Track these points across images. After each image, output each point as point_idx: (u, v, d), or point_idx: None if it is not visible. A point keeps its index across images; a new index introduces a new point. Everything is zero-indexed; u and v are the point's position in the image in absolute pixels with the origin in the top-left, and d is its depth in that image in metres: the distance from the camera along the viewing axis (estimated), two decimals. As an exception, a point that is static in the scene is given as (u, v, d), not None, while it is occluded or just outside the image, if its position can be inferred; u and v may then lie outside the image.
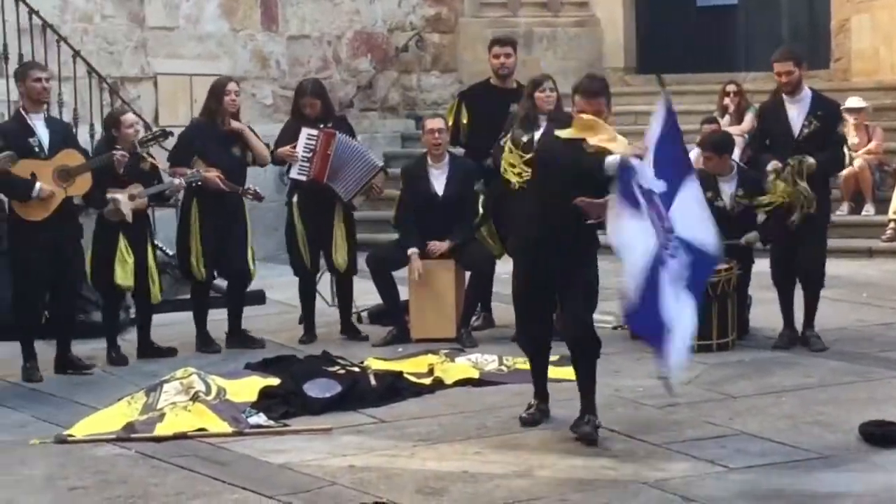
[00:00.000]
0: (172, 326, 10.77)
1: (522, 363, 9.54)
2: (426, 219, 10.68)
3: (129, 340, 10.65)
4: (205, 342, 10.58)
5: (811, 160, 9.74)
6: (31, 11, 12.79)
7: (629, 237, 7.20)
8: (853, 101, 14.95)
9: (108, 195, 10.03)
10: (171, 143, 10.77)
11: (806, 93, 10.03)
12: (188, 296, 11.01)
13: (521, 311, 8.07)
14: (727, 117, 15.17)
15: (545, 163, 7.82)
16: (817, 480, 6.89)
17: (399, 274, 10.80)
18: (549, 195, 7.69)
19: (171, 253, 12.31)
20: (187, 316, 10.91)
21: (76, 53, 13.21)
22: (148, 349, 10.39)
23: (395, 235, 11.12)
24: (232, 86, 10.63)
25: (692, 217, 7.54)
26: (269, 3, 16.57)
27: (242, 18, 16.28)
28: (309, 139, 10.67)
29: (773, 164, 9.88)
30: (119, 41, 14.79)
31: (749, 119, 14.98)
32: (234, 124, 10.62)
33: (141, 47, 15.04)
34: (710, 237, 7.63)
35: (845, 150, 10.75)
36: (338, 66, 17.49)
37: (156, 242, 10.71)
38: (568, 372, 9.25)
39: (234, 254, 10.58)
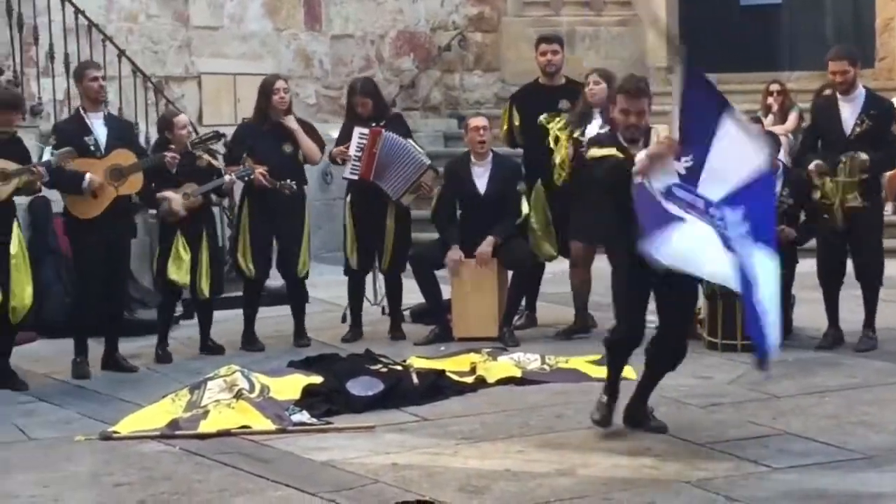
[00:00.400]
0: (217, 324, 10.81)
1: (564, 362, 9.58)
2: (468, 217, 10.70)
3: (174, 338, 10.71)
4: (250, 340, 10.64)
5: (864, 156, 9.70)
6: (77, 11, 12.88)
7: (686, 245, 7.10)
8: (896, 101, 14.85)
9: (160, 195, 10.12)
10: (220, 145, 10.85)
11: (860, 91, 9.99)
12: (235, 293, 11.08)
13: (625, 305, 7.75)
14: (770, 117, 15.11)
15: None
16: (861, 481, 6.86)
17: (441, 273, 10.82)
18: None
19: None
20: (231, 314, 10.98)
21: (121, 53, 13.30)
22: (205, 346, 10.48)
23: (437, 234, 11.13)
24: (280, 84, 10.68)
25: (728, 161, 7.31)
26: (313, 3, 16.63)
27: (286, 18, 16.34)
28: (360, 138, 10.71)
29: (815, 164, 9.86)
30: (164, 41, 14.88)
31: (793, 118, 14.93)
32: (287, 121, 10.66)
33: (185, 47, 15.12)
34: (751, 161, 7.33)
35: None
36: (380, 65, 17.53)
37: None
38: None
39: (287, 254, 10.65)
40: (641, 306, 7.67)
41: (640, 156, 7.31)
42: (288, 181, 10.46)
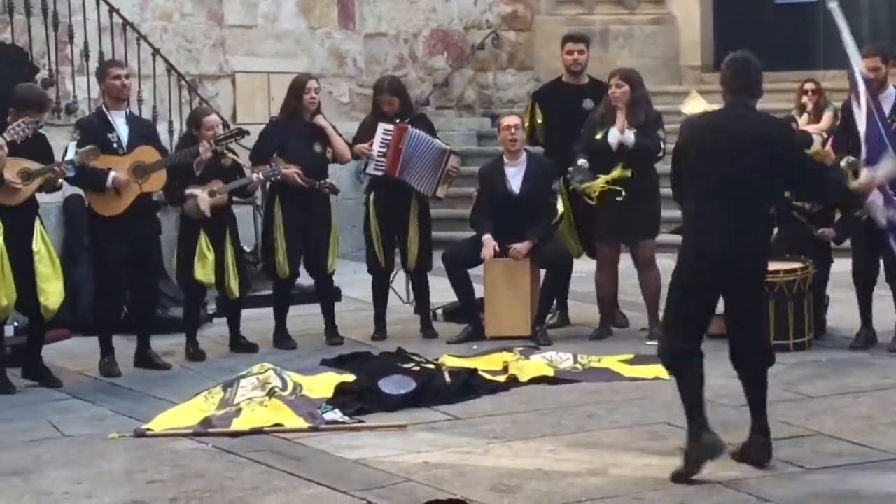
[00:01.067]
0: (246, 322, 10.84)
1: (597, 362, 9.57)
2: (503, 217, 10.69)
3: (207, 336, 10.76)
4: (282, 338, 10.66)
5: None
6: (112, 10, 12.94)
7: None
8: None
9: (187, 191, 10.14)
10: (249, 140, 10.85)
11: (891, 91, 9.94)
12: (266, 292, 11.11)
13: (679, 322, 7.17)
14: (805, 116, 15.03)
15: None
16: (894, 482, 6.83)
17: (474, 272, 10.82)
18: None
19: (248, 250, 12.43)
20: (261, 312, 11.02)
21: (156, 51, 13.35)
22: (236, 344, 10.50)
23: (470, 233, 11.14)
24: (312, 84, 10.70)
25: None
26: (347, 2, 16.65)
27: (320, 17, 16.37)
28: (385, 134, 10.72)
29: (846, 161, 9.83)
30: (198, 39, 14.93)
31: (827, 117, 14.82)
32: (318, 120, 10.69)
33: (219, 45, 15.16)
34: None
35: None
36: (414, 64, 17.54)
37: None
38: (642, 370, 9.30)
39: (316, 253, 10.67)
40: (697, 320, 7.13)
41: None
42: (328, 180, 10.48)
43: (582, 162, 10.37)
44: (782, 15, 19.00)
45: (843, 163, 9.94)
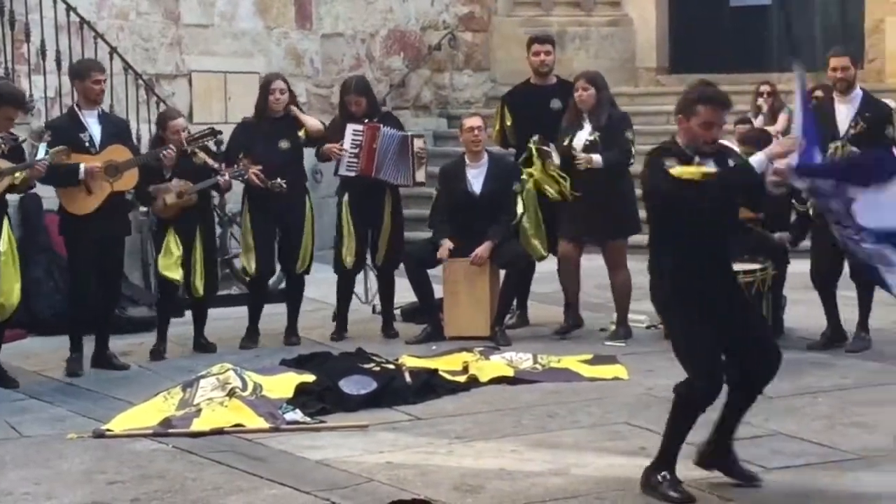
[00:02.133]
0: (212, 322, 10.80)
1: (557, 362, 9.58)
2: (463, 218, 10.70)
3: (167, 336, 10.67)
4: (252, 338, 10.65)
5: (853, 148, 9.71)
6: (69, 8, 12.86)
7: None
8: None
9: (153, 187, 10.12)
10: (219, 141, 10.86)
11: (857, 93, 10.00)
12: (229, 291, 11.10)
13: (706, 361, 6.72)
14: (761, 117, 15.13)
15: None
16: (856, 481, 6.87)
17: (434, 272, 10.82)
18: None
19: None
20: (228, 312, 10.98)
21: (112, 50, 13.27)
22: (198, 344, 10.48)
23: (430, 233, 11.15)
24: (276, 84, 10.70)
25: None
26: (304, 2, 16.61)
27: (277, 16, 16.32)
28: (355, 135, 10.73)
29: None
30: (154, 38, 14.85)
31: (783, 119, 14.95)
32: (293, 110, 10.72)
33: (176, 44, 15.09)
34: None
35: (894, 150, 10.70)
36: (371, 64, 17.52)
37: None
38: (602, 371, 9.33)
39: (288, 251, 10.65)
40: (718, 351, 6.74)
41: (759, 158, 6.65)
42: (278, 180, 10.45)
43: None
44: (738, 17, 19.11)
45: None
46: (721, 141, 7.03)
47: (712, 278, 6.74)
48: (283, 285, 11.35)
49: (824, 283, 10.06)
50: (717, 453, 6.90)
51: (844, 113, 9.89)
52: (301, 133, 10.71)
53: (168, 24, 15.01)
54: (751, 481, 6.83)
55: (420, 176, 10.91)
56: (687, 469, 7.07)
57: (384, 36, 17.71)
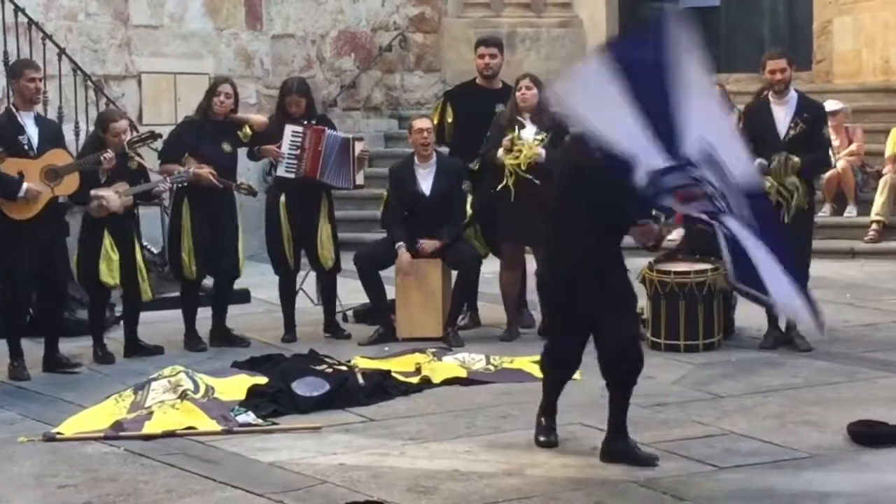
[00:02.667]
0: (156, 325, 10.76)
1: (509, 362, 9.59)
2: (414, 218, 10.70)
3: (114, 338, 10.63)
4: (193, 341, 10.58)
5: (795, 158, 9.78)
6: (17, 9, 12.75)
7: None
8: (829, 105, 14.95)
9: (94, 192, 10.02)
10: (159, 144, 10.76)
11: (792, 95, 10.07)
12: (172, 294, 11.02)
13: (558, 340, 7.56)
14: (710, 118, 15.18)
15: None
16: (807, 480, 6.92)
17: (386, 273, 10.80)
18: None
19: (155, 251, 12.33)
20: (170, 314, 10.92)
21: (61, 51, 13.18)
22: (134, 347, 10.38)
23: (382, 234, 11.14)
24: (223, 87, 10.62)
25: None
26: (254, 2, 16.53)
27: (227, 17, 16.25)
28: (294, 136, 10.68)
29: (757, 162, 9.95)
30: (103, 39, 14.75)
31: (732, 119, 15.01)
32: (232, 116, 10.65)
33: (125, 45, 15.00)
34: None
35: (831, 152, 10.80)
36: (321, 65, 17.48)
37: (143, 242, 10.68)
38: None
39: (224, 253, 10.59)
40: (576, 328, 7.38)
41: None
42: (244, 181, 10.42)
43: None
44: (687, 18, 19.11)
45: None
46: None
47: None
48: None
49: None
50: (614, 444, 7.31)
51: (783, 114, 9.95)
52: (246, 129, 10.65)
53: (117, 25, 14.92)
54: (650, 463, 7.19)
55: (360, 179, 10.88)
56: (641, 468, 7.13)
57: (335, 37, 17.67)
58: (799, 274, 6.94)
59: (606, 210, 6.98)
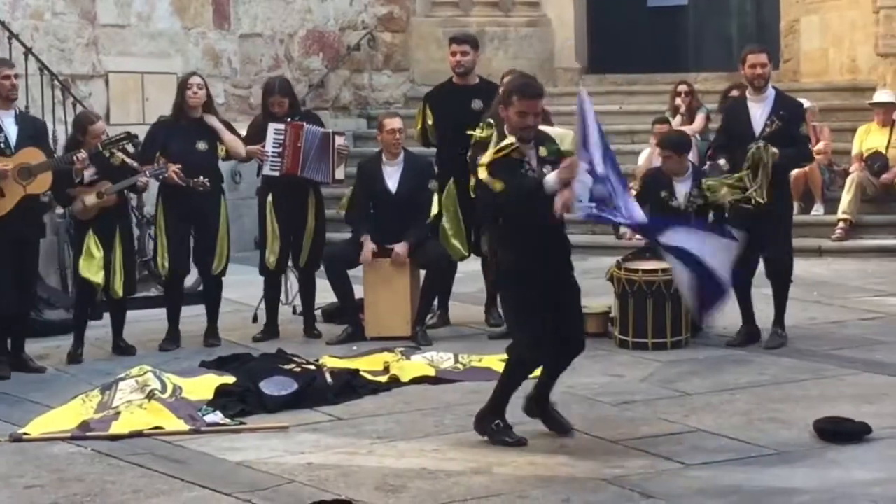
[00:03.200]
0: (130, 324, 10.71)
1: (478, 361, 9.59)
2: (381, 216, 10.70)
3: (85, 339, 10.55)
4: (173, 338, 10.56)
5: (774, 149, 9.78)
6: (-18, 8, 12.72)
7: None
8: (797, 103, 15.01)
9: (72, 191, 10.01)
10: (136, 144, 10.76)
11: (770, 92, 10.08)
12: (151, 293, 11.02)
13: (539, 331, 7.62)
14: (678, 117, 15.25)
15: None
16: (773, 476, 6.94)
17: (354, 272, 10.80)
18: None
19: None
20: (145, 314, 10.90)
21: (28, 51, 13.14)
22: (117, 346, 10.37)
23: (349, 234, 11.13)
24: (194, 80, 10.64)
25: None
26: (221, 2, 16.53)
27: (194, 16, 16.23)
28: (277, 134, 10.69)
29: (713, 164, 10.02)
30: (70, 38, 14.72)
31: (700, 119, 15.09)
32: (208, 119, 10.60)
33: (92, 45, 14.96)
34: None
35: (810, 147, 10.84)
36: (289, 64, 17.46)
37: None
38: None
39: (208, 252, 10.59)
40: (548, 323, 7.56)
41: (551, 181, 7.25)
42: (201, 178, 10.40)
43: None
44: (655, 17, 19.24)
45: (715, 163, 10.13)
46: (541, 127, 7.76)
47: (541, 266, 7.51)
48: (201, 287, 11.27)
49: (738, 281, 10.12)
50: (538, 405, 7.82)
51: (759, 112, 9.96)
52: (221, 152, 10.63)
53: (84, 25, 14.88)
54: (565, 431, 7.73)
55: (339, 174, 10.89)
56: (608, 466, 7.14)
57: (303, 36, 17.66)
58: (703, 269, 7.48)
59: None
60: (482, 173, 7.45)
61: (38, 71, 13.30)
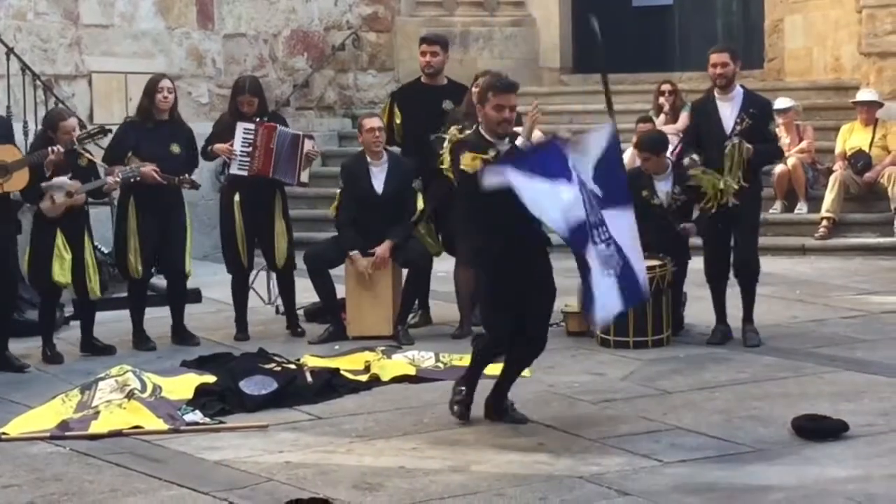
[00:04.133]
0: (105, 325, 10.71)
1: (459, 360, 9.60)
2: (366, 217, 10.68)
3: (63, 339, 10.59)
4: (141, 339, 10.55)
5: (748, 145, 9.80)
6: (-36, 8, 12.70)
7: (543, 196, 7.50)
8: (780, 102, 15.05)
9: (45, 184, 9.98)
10: (108, 140, 10.72)
11: (738, 91, 10.10)
12: (123, 294, 10.98)
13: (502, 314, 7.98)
14: (662, 116, 15.27)
15: None
16: (750, 474, 6.96)
17: (336, 272, 10.80)
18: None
19: (106, 251, 12.27)
20: (120, 314, 10.88)
21: (10, 51, 13.12)
22: (89, 346, 10.35)
23: (333, 233, 11.12)
24: (164, 83, 10.60)
25: (625, 238, 7.82)
26: (205, 2, 16.48)
27: (178, 16, 16.20)
28: (246, 133, 10.67)
29: (688, 160, 10.04)
30: (53, 38, 14.68)
31: (684, 118, 15.06)
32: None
33: (75, 45, 14.93)
34: (641, 268, 8.02)
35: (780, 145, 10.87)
36: (274, 64, 17.44)
37: (95, 242, 10.63)
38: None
39: (172, 252, 10.56)
40: (509, 310, 7.89)
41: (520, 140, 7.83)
42: (187, 175, 10.39)
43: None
44: (640, 17, 19.25)
45: (686, 160, 10.16)
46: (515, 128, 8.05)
47: (512, 257, 7.76)
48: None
49: (714, 280, 10.16)
50: (496, 404, 8.07)
51: (728, 111, 9.98)
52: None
53: (67, 25, 14.85)
54: (521, 422, 7.96)
55: (304, 177, 10.88)
56: (586, 464, 7.16)
57: (287, 36, 17.63)
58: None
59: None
60: (465, 161, 7.73)
61: (20, 71, 13.27)
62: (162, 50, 15.93)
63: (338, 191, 11.10)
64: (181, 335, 10.66)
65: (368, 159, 10.83)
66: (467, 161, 7.69)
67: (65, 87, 14.67)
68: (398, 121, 11.14)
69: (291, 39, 17.68)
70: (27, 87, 13.38)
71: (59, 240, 10.07)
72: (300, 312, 11.29)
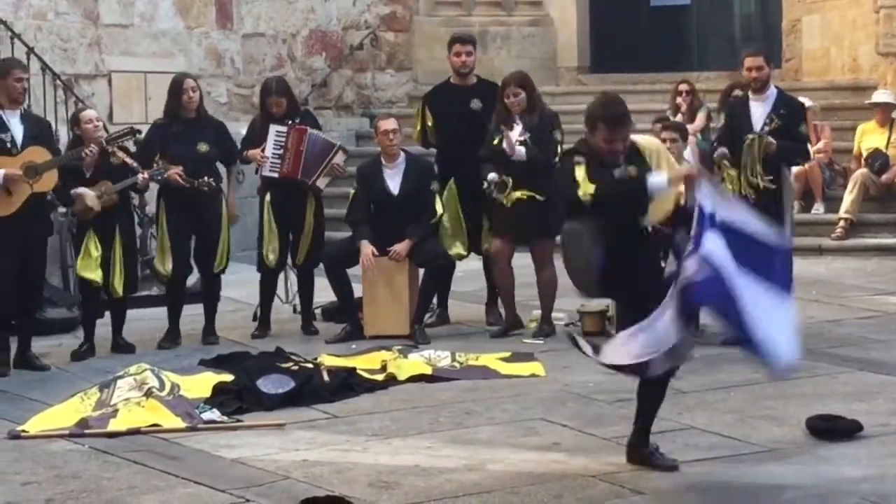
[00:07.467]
0: (130, 323, 10.77)
1: (475, 359, 9.65)
2: (382, 218, 10.72)
3: (80, 337, 10.63)
4: (171, 337, 10.64)
5: (770, 139, 9.83)
6: (-15, 8, 12.78)
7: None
8: (798, 102, 15.04)
9: (73, 191, 10.08)
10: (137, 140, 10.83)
11: (771, 91, 10.17)
12: (149, 292, 11.09)
13: None
14: (679, 116, 15.26)
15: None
16: (764, 473, 6.98)
17: (353, 271, 10.84)
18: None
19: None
20: (147, 312, 10.95)
21: (30, 50, 13.20)
22: (114, 344, 10.45)
23: (349, 233, 11.17)
24: (188, 83, 10.69)
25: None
26: (224, 1, 16.56)
27: (197, 16, 16.27)
28: (278, 136, 10.77)
29: (719, 153, 10.07)
30: (73, 38, 14.77)
31: (701, 118, 15.09)
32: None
33: (95, 45, 15.01)
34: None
35: (809, 146, 10.89)
36: (292, 64, 17.50)
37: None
38: (519, 368, 9.41)
39: (205, 252, 10.67)
40: None
41: (661, 179, 7.03)
42: (205, 178, 10.47)
43: (492, 176, 10.38)
44: (657, 17, 19.25)
45: (717, 153, 10.21)
46: (632, 137, 7.23)
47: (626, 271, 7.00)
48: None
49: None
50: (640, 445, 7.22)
51: (759, 111, 10.03)
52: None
53: (87, 25, 14.93)
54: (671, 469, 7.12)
55: (322, 183, 10.94)
56: (601, 463, 7.19)
57: (305, 36, 17.69)
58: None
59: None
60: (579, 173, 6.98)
61: (40, 71, 13.35)
62: (181, 49, 16.01)
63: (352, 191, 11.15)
64: (209, 336, 10.73)
65: (383, 161, 10.88)
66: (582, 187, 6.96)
67: (85, 86, 14.76)
68: (430, 123, 11.17)
69: (310, 39, 17.74)
70: (47, 86, 13.46)
71: (92, 238, 10.20)
72: (317, 311, 11.34)
